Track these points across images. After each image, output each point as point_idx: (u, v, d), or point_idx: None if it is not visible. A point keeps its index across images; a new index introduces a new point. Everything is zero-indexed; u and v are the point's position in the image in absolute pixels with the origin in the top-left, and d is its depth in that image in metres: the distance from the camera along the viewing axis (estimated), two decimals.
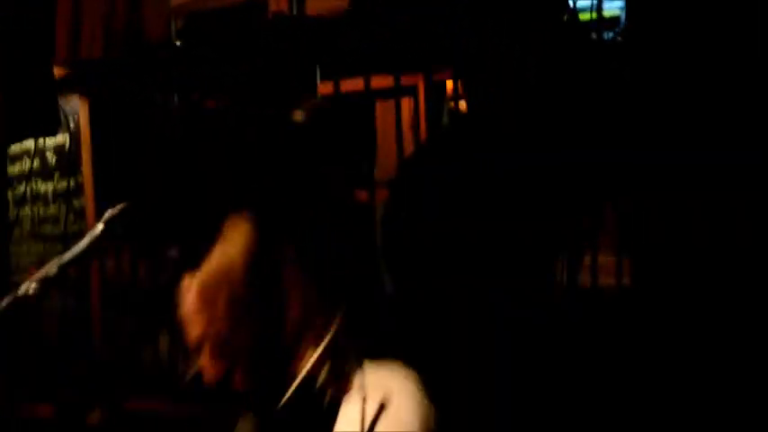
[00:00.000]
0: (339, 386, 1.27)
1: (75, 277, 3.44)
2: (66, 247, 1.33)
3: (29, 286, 1.23)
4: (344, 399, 1.27)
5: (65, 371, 3.52)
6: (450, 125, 2.97)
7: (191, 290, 1.32)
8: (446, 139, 2.77)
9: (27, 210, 3.80)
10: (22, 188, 3.76)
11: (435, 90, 2.90)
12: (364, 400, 1.24)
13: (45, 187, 3.72)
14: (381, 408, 1.25)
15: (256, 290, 1.30)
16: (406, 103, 2.86)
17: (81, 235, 3.28)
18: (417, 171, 2.58)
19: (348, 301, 1.33)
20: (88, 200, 3.46)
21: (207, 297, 1.30)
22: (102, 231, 1.30)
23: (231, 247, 1.31)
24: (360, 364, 1.29)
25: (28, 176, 3.72)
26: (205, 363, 1.31)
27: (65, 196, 3.60)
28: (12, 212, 3.78)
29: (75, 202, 3.59)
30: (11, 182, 3.79)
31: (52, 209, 3.69)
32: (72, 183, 3.57)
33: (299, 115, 1.43)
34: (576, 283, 2.35)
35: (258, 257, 1.30)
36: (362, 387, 1.26)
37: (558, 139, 2.34)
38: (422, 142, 2.84)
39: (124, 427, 3.19)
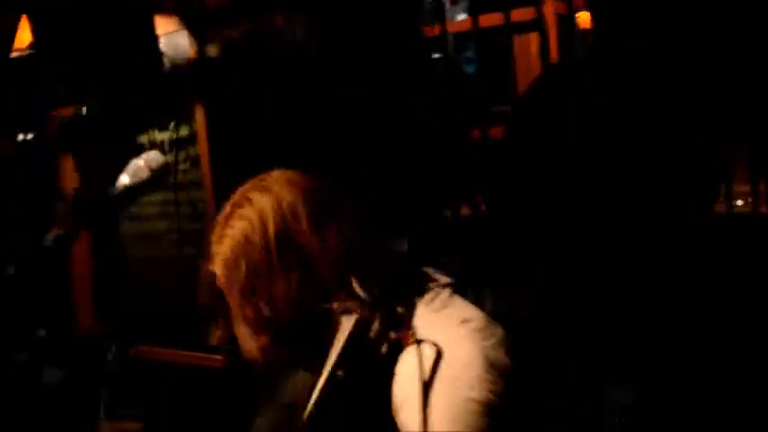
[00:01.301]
0: (394, 337, 1.24)
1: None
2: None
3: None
4: (402, 349, 1.25)
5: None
6: (577, 59, 2.82)
7: (216, 263, 1.37)
8: (571, 72, 2.62)
9: None
10: (139, 138, 3.75)
11: (568, 22, 2.75)
12: (421, 347, 1.20)
13: (161, 136, 3.68)
14: (439, 354, 1.23)
15: (275, 259, 1.31)
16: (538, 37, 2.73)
17: (196, 183, 3.25)
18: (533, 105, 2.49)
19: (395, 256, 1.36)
20: (202, 148, 3.40)
21: (230, 267, 1.35)
22: (126, 185, 1.32)
23: (247, 220, 1.34)
24: (413, 313, 1.28)
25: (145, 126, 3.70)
26: (245, 338, 1.35)
27: (180, 144, 3.53)
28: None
29: (191, 150, 3.54)
30: None
31: (168, 157, 3.65)
32: (187, 131, 3.49)
33: None
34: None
35: (276, 239, 1.32)
36: (419, 335, 1.23)
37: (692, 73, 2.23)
38: (540, 76, 2.75)
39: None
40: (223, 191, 1.48)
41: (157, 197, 3.47)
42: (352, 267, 1.32)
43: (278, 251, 1.35)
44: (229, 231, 1.39)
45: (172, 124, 3.64)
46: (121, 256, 3.83)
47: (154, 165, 1.30)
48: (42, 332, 3.79)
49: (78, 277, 4.02)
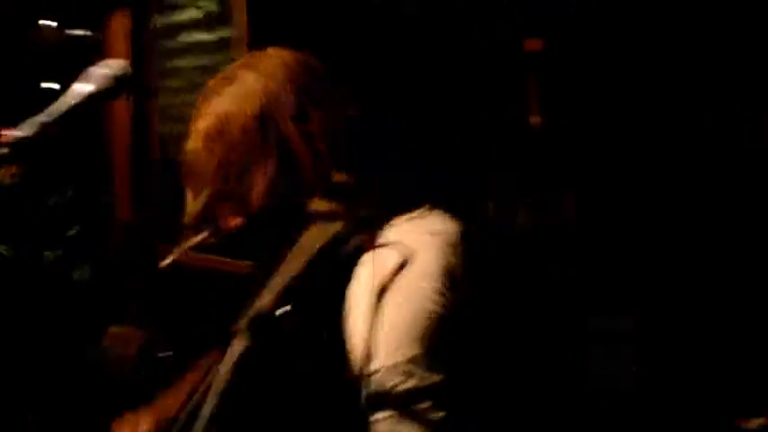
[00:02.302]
0: (362, 238, 1.18)
1: None
2: None
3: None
4: (367, 250, 1.18)
5: None
6: None
7: (193, 138, 1.33)
8: None
9: (185, 60, 3.70)
10: (181, 38, 3.69)
11: None
12: (381, 251, 1.15)
13: (203, 37, 3.61)
14: (401, 261, 1.16)
15: (254, 140, 1.27)
16: None
17: None
18: None
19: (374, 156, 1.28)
20: (241, 51, 3.31)
21: (209, 140, 1.30)
22: (90, 93, 1.23)
23: (236, 96, 1.29)
24: (387, 218, 1.22)
25: (187, 26, 3.63)
26: (221, 212, 1.30)
27: (223, 45, 3.46)
28: (173, 63, 3.74)
29: (233, 53, 3.46)
30: (170, 32, 3.74)
31: (209, 59, 3.58)
32: (228, 33, 3.41)
33: None
34: None
35: (258, 118, 1.28)
36: (387, 239, 1.18)
37: None
38: None
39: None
40: None
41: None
42: (334, 163, 1.26)
43: (258, 133, 1.29)
44: (211, 108, 1.33)
45: (214, 24, 3.56)
46: (161, 154, 3.81)
47: (120, 73, 1.22)
48: (76, 228, 3.79)
49: (118, 169, 4.00)
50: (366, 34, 2.77)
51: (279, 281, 1.12)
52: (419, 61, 2.68)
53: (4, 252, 3.50)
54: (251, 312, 1.13)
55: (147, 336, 3.02)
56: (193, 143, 1.34)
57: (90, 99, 1.21)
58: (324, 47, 2.81)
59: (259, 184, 1.28)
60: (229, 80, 1.34)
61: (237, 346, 1.12)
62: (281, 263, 1.15)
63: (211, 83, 1.36)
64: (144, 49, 3.89)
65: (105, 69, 1.23)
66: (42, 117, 1.20)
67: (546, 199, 2.50)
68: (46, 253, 3.61)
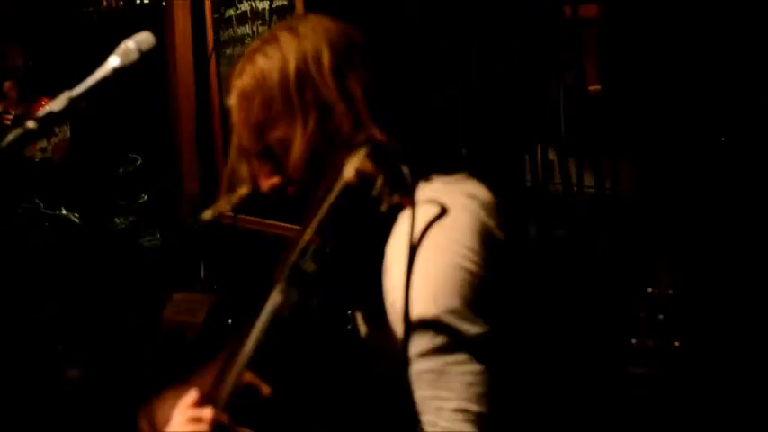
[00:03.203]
0: (400, 196, 1.19)
1: None
2: None
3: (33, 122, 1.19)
4: (405, 208, 1.20)
5: None
6: None
7: (233, 93, 1.35)
8: None
9: (245, 28, 3.72)
10: (242, 6, 3.71)
11: None
12: (418, 209, 1.17)
13: (262, 5, 3.62)
14: (435, 217, 1.20)
15: (292, 99, 1.29)
16: None
17: None
18: None
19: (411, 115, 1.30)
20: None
21: (245, 98, 1.33)
22: (115, 67, 1.23)
23: (273, 56, 1.32)
24: (423, 178, 1.25)
25: None
26: (260, 170, 1.33)
27: (281, 14, 3.47)
28: (231, 32, 3.78)
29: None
30: (232, 1, 3.77)
31: (266, 28, 3.59)
32: (285, 2, 3.43)
33: None
34: None
35: (296, 77, 1.30)
36: (424, 198, 1.21)
37: None
38: None
39: None
40: None
41: None
42: (372, 120, 1.27)
43: (296, 91, 1.31)
44: (249, 67, 1.35)
45: None
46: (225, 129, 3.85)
47: (144, 46, 1.24)
48: (145, 197, 3.88)
49: (184, 139, 4.07)
50: (420, 4, 2.75)
51: (309, 231, 1.14)
52: (472, 30, 2.66)
53: (75, 219, 3.61)
54: (285, 265, 1.14)
55: (214, 302, 3.08)
56: (231, 101, 1.36)
57: (115, 73, 1.23)
58: (376, 17, 2.82)
59: (296, 143, 1.29)
60: (268, 41, 1.36)
61: (274, 299, 1.14)
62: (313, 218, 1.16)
63: (252, 45, 1.39)
64: (204, 17, 3.94)
65: (131, 43, 1.24)
66: (71, 92, 1.22)
67: (603, 169, 2.47)
68: (116, 220, 3.70)
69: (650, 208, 2.31)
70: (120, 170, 3.89)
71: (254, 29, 3.67)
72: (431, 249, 1.19)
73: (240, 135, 1.35)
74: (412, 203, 1.16)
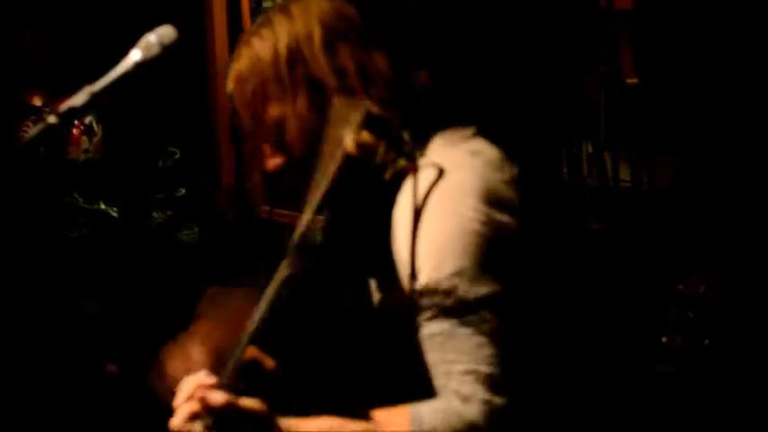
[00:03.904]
0: (403, 163, 1.16)
1: None
2: None
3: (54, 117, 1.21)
4: (408, 174, 1.19)
5: None
6: None
7: (231, 73, 1.37)
8: None
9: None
10: None
11: None
12: (420, 172, 1.16)
13: None
14: (438, 178, 1.19)
15: (284, 77, 1.30)
16: None
17: None
18: None
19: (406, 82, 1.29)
20: None
21: (241, 81, 1.34)
22: (136, 62, 1.23)
23: (266, 38, 1.34)
24: (426, 141, 1.26)
25: None
26: (264, 152, 1.34)
27: None
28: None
29: None
30: None
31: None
32: None
33: None
34: None
35: (287, 55, 1.31)
36: (425, 162, 1.21)
37: None
38: None
39: None
40: None
41: None
42: (366, 94, 1.29)
43: (287, 68, 1.32)
44: (246, 50, 1.37)
45: None
46: None
47: (166, 40, 1.23)
48: (183, 190, 3.90)
49: (221, 132, 4.07)
50: None
51: (313, 202, 1.14)
52: (507, 19, 2.64)
53: (114, 213, 3.64)
54: (293, 239, 1.15)
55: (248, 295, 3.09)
56: (229, 85, 1.39)
57: (137, 67, 1.23)
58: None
59: (290, 120, 1.30)
60: (263, 24, 1.38)
61: (282, 270, 1.14)
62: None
63: (249, 28, 1.42)
64: (241, 8, 3.93)
65: (152, 37, 1.25)
66: (93, 87, 1.23)
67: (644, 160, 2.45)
68: (154, 214, 3.72)
69: (687, 202, 2.27)
70: (160, 164, 3.91)
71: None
72: (434, 213, 1.19)
73: (243, 119, 1.37)
74: (415, 168, 1.16)
